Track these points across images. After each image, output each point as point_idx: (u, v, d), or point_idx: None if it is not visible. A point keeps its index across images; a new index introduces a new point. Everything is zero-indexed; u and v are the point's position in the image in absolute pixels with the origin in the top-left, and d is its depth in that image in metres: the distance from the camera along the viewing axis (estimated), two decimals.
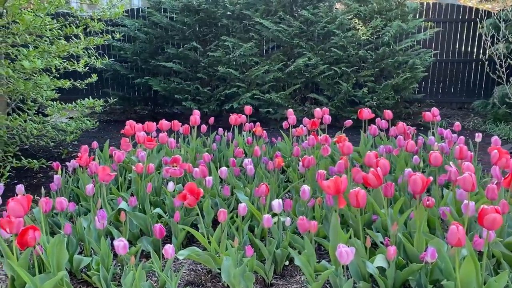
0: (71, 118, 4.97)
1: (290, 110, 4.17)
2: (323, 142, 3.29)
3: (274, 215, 2.59)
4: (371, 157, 2.66)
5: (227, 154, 3.95)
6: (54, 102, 4.61)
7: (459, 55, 7.46)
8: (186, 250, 2.40)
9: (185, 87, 6.37)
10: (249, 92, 6.30)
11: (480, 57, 7.07)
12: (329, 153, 3.21)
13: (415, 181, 2.07)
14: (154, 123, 3.70)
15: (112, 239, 2.63)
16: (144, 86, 6.78)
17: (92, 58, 4.61)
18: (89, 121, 4.71)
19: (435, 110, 4.14)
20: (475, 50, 7.39)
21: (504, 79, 5.62)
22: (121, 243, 2.05)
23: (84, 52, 4.37)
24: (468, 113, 7.35)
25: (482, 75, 7.44)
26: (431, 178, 2.13)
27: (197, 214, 2.84)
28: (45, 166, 4.21)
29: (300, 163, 3.13)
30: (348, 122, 4.29)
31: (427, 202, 2.31)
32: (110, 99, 5.09)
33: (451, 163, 2.63)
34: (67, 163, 3.49)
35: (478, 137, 3.44)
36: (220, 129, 4.42)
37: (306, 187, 2.48)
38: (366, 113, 3.89)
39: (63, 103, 4.60)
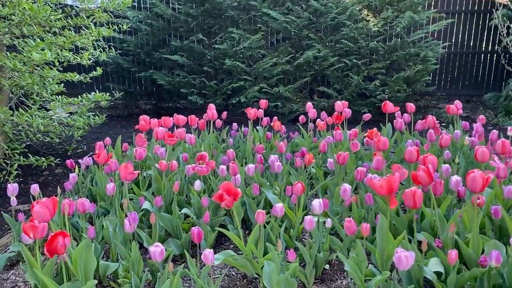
0: (71, 113, 4.76)
1: (309, 103, 4.02)
2: (352, 137, 3.14)
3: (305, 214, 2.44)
4: (413, 153, 2.51)
5: (244, 149, 3.79)
6: (59, 96, 4.40)
7: (468, 47, 7.33)
8: (221, 254, 2.24)
9: (191, 81, 6.17)
10: (256, 86, 6.13)
11: (489, 49, 6.96)
12: (358, 148, 3.06)
13: (475, 179, 1.92)
14: (171, 118, 3.51)
15: (140, 243, 2.47)
16: (148, 80, 6.58)
17: (98, 51, 4.40)
18: (98, 116, 4.51)
19: (458, 103, 4.01)
20: (484, 42, 7.28)
21: None
22: (158, 249, 1.88)
23: (91, 44, 4.16)
24: (477, 106, 7.25)
25: (490, 68, 7.33)
26: (491, 175, 1.98)
27: (225, 214, 2.68)
28: (53, 164, 4.01)
29: (329, 160, 2.98)
30: (367, 116, 4.15)
31: (478, 201, 2.17)
32: (116, 93, 4.89)
33: (496, 158, 2.49)
34: (80, 161, 3.30)
35: (511, 130, 3.31)
36: (235, 124, 4.25)
37: (347, 186, 2.33)
38: (390, 106, 3.75)
39: (67, 98, 4.39)
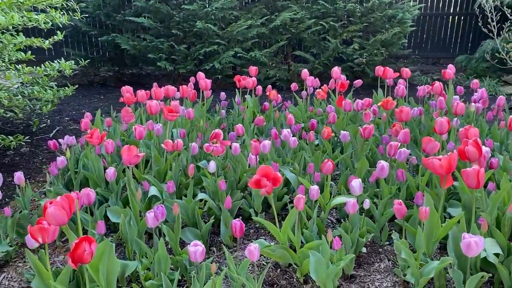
0: (21, 84, 4.20)
1: (305, 70, 3.77)
2: (365, 106, 2.95)
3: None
4: (444, 124, 2.36)
5: (239, 122, 3.51)
6: (19, 65, 3.86)
7: (438, 8, 7.30)
8: (256, 243, 2.01)
9: (158, 45, 5.70)
10: (230, 50, 5.77)
11: (463, 11, 6.96)
12: (371, 118, 2.88)
13: None
14: (161, 89, 3.14)
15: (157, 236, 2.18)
16: (110, 44, 6.02)
17: (58, 12, 3.86)
18: (68, 87, 4.03)
19: (451, 66, 3.92)
20: (452, 3, 7.26)
21: (495, 33, 5.52)
22: (198, 249, 1.62)
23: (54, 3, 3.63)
24: (444, 69, 7.30)
25: (458, 30, 7.37)
26: None
27: (243, 197, 2.44)
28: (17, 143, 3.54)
29: (343, 132, 2.78)
30: (358, 82, 3.98)
31: None
32: (81, 61, 4.38)
33: None
34: (60, 140, 2.89)
35: None
36: (223, 94, 3.94)
37: (384, 163, 2.14)
38: (390, 72, 3.58)
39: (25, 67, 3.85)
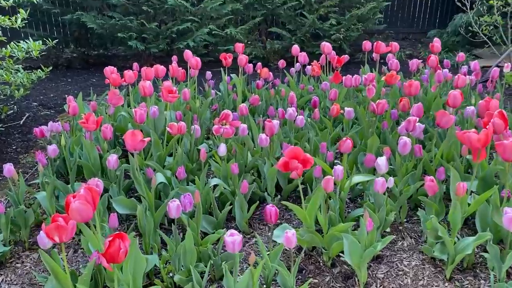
0: None
1: (296, 46, 3.64)
2: (369, 81, 2.87)
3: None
4: (458, 97, 2.32)
5: (230, 102, 3.36)
6: None
7: None
8: (279, 229, 1.91)
9: (127, 23, 5.38)
10: (204, 28, 5.54)
11: None
12: (374, 94, 2.81)
13: None
14: (151, 68, 2.92)
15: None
16: (74, 24, 5.63)
17: None
18: (42, 70, 3.71)
19: (437, 40, 3.91)
20: None
21: (468, 7, 5.58)
22: (237, 238, 1.49)
23: None
24: (414, 43, 7.38)
25: (427, 5, 7.43)
26: None
27: (253, 181, 2.31)
28: None
29: (347, 109, 2.69)
30: (345, 58, 3.89)
31: None
32: (48, 41, 4.04)
33: None
34: (44, 127, 2.64)
35: (507, 67, 3.27)
36: (208, 73, 3.76)
37: (407, 139, 2.07)
38: (383, 46, 3.52)
39: None
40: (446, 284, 1.82)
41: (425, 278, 1.86)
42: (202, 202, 2.12)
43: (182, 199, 1.68)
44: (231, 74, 3.88)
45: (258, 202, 2.17)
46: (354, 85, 3.05)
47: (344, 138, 2.12)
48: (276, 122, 2.36)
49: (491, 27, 5.43)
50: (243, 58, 3.25)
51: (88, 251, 1.70)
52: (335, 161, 2.67)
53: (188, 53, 3.28)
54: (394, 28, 7.47)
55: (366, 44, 3.85)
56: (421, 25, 7.56)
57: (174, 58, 3.72)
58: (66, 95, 4.67)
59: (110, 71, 3.00)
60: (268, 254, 1.70)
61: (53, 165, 2.43)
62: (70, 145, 2.52)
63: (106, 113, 2.92)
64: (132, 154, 2.03)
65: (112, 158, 2.09)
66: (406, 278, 1.87)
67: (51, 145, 2.26)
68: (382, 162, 1.95)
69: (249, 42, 5.85)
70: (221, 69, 3.78)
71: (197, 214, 1.82)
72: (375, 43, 3.55)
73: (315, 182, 2.16)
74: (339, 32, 5.70)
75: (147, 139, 2.06)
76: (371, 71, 3.92)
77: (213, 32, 5.55)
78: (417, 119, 2.21)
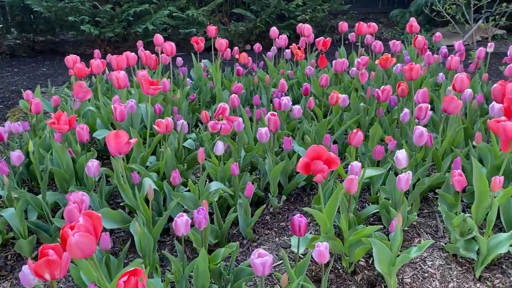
0: None
1: (274, 28, 3.39)
2: (360, 65, 2.68)
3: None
4: (465, 80, 2.18)
5: (207, 91, 3.08)
6: None
7: None
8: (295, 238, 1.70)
9: (78, 6, 4.91)
10: (163, 9, 5.16)
11: None
12: (366, 79, 2.64)
13: None
14: (123, 56, 2.58)
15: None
16: (17, 7, 5.06)
17: None
18: None
19: (413, 20, 3.80)
20: None
21: None
22: (267, 260, 1.26)
23: None
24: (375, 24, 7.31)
25: None
26: None
27: (254, 181, 2.08)
28: None
29: (342, 96, 2.50)
30: (327, 41, 3.68)
31: None
32: None
33: None
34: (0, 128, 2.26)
35: (491, 46, 3.19)
36: (179, 59, 3.44)
37: (423, 129, 1.90)
38: (364, 27, 3.35)
39: None
40: (478, 284, 1.69)
41: (454, 279, 1.73)
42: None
43: (196, 215, 1.42)
44: (203, 60, 3.59)
45: (264, 205, 1.94)
46: (340, 70, 2.86)
47: (355, 130, 1.93)
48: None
49: (454, 6, 5.44)
50: (223, 43, 2.97)
51: (79, 280, 1.41)
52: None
53: (158, 38, 2.95)
54: (356, 9, 7.38)
55: (343, 25, 3.68)
56: (380, 5, 7.50)
57: (140, 43, 3.38)
58: (14, 87, 4.21)
59: (73, 60, 2.64)
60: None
61: (16, 173, 2.08)
62: (36, 149, 2.17)
63: (71, 109, 2.57)
64: (114, 158, 1.73)
65: (93, 165, 1.78)
66: (434, 280, 1.73)
67: (14, 150, 1.91)
68: (402, 155, 1.77)
69: (211, 25, 5.51)
70: (192, 54, 3.49)
71: (205, 229, 1.57)
72: (357, 24, 3.38)
73: (326, 180, 1.96)
74: (305, 13, 5.50)
75: (133, 140, 1.77)
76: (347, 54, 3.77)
77: (173, 14, 5.18)
78: (428, 106, 2.05)
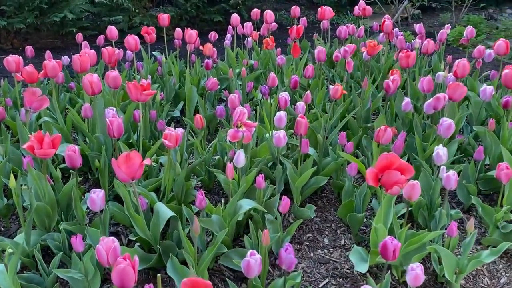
0: None
1: (236, 15, 3.12)
2: (347, 54, 2.54)
3: None
4: (467, 66, 2.15)
5: (171, 89, 2.75)
6: None
7: None
8: (354, 253, 1.53)
9: None
10: None
11: None
12: (352, 70, 2.52)
13: None
14: (87, 56, 2.14)
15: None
16: None
17: None
18: None
19: (362, 2, 3.77)
20: None
21: None
22: None
23: None
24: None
25: None
26: None
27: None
28: None
29: (332, 87, 2.34)
30: (300, 29, 3.44)
31: None
32: None
33: None
34: None
35: (448, 28, 3.24)
36: (129, 53, 3.03)
37: (451, 121, 1.81)
38: (328, 12, 3.22)
39: None
40: None
41: (503, 274, 1.69)
42: (230, 233, 1.61)
43: (284, 254, 1.17)
44: (153, 52, 3.20)
45: (301, 220, 1.72)
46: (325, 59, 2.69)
47: (383, 127, 1.79)
48: (283, 113, 1.90)
49: None
50: (193, 34, 2.63)
51: None
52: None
53: (112, 30, 2.54)
54: None
55: (295, 10, 3.52)
56: None
57: (101, 38, 2.91)
58: None
59: (15, 62, 2.15)
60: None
61: None
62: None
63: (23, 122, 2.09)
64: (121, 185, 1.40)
65: (98, 196, 1.42)
66: (484, 277, 1.67)
67: None
68: (443, 152, 1.68)
69: (137, 10, 5.03)
70: (140, 47, 3.09)
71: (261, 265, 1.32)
72: (319, 9, 3.24)
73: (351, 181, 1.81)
74: None
75: (147, 161, 1.45)
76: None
77: (95, 0, 4.61)
78: (446, 96, 1.98)
